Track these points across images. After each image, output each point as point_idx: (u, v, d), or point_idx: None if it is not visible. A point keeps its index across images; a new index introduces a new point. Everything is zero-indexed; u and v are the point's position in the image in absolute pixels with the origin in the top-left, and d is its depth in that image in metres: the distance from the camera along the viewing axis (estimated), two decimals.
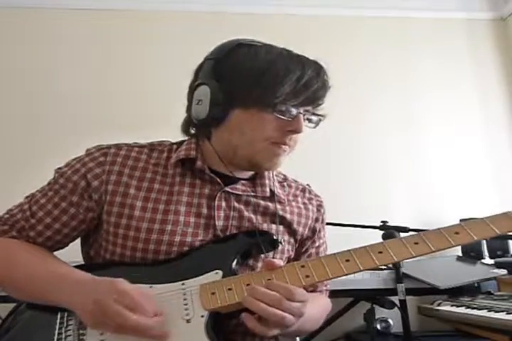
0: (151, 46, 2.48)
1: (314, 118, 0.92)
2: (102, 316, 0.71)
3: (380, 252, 0.79)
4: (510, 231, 0.79)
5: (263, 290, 0.74)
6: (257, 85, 0.84)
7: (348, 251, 0.80)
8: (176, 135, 1.04)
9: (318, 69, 0.87)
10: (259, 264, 0.91)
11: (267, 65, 0.85)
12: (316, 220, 1.03)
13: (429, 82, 2.58)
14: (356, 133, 2.35)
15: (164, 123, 2.14)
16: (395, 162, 2.44)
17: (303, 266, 0.80)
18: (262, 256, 0.91)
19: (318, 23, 2.57)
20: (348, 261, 0.79)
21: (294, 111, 0.86)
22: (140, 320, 0.71)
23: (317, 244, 1.03)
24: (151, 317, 0.73)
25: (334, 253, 0.81)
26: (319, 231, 1.03)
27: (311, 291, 1.01)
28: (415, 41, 2.64)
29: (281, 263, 0.82)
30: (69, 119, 2.31)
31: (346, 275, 0.78)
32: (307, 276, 0.78)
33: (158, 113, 2.32)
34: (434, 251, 0.78)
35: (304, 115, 0.88)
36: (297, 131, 0.87)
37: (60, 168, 0.95)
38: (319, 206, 1.05)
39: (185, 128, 0.99)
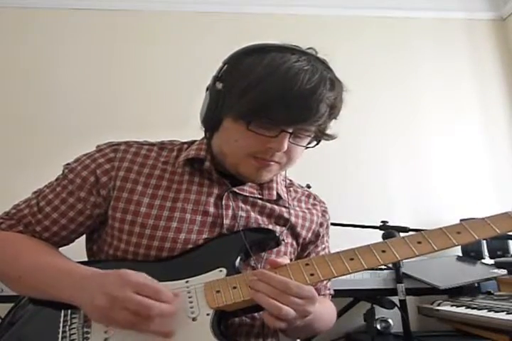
0: (152, 46, 2.48)
1: (319, 136, 0.90)
2: (117, 310, 0.70)
3: (384, 251, 0.80)
4: (510, 231, 0.80)
5: (262, 282, 0.75)
6: (244, 99, 0.82)
7: (352, 249, 0.81)
8: (176, 135, 1.04)
9: (316, 87, 0.80)
10: (260, 265, 0.90)
11: (259, 80, 0.81)
12: (321, 225, 1.03)
13: (429, 81, 2.58)
14: (356, 133, 2.35)
15: (165, 123, 2.16)
16: (395, 162, 2.44)
17: (307, 264, 0.80)
18: (264, 256, 0.91)
19: (318, 23, 2.57)
20: (352, 259, 0.79)
21: (277, 128, 0.83)
22: (164, 308, 0.71)
23: (319, 249, 1.03)
24: (173, 301, 0.73)
25: (338, 252, 0.82)
26: (323, 236, 1.03)
27: None
28: (415, 41, 2.64)
29: (286, 261, 0.82)
30: (69, 119, 2.31)
31: (350, 273, 0.79)
32: (312, 274, 0.79)
33: (159, 113, 2.32)
34: (436, 250, 0.79)
35: (295, 133, 0.85)
36: (277, 149, 0.84)
37: (69, 164, 0.96)
38: (324, 212, 1.06)
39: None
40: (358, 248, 0.81)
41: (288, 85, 0.80)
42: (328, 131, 0.91)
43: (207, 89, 0.92)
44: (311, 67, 0.83)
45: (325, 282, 1.03)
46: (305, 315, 0.75)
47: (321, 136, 0.90)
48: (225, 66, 0.88)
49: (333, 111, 0.86)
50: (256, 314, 0.88)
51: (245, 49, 0.88)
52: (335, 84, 0.86)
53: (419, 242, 0.80)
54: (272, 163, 0.87)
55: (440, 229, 0.81)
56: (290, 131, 0.84)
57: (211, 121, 0.90)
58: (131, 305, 0.69)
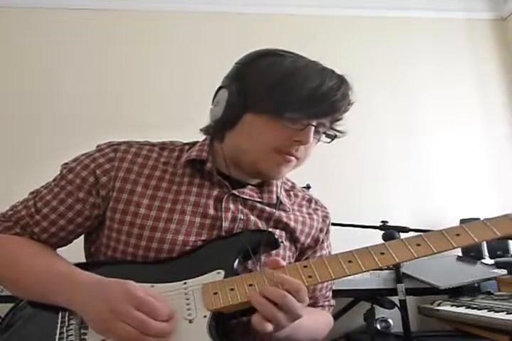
0: (152, 46, 2.48)
1: (330, 132, 0.92)
2: (117, 323, 0.70)
3: (382, 253, 0.79)
4: (510, 234, 0.79)
5: (272, 288, 0.74)
6: (272, 92, 0.84)
7: (350, 251, 0.80)
8: (176, 136, 1.04)
9: (340, 83, 0.86)
10: (257, 268, 0.89)
11: (287, 74, 0.85)
12: (321, 230, 1.02)
13: (429, 82, 2.58)
14: (356, 133, 2.33)
15: (165, 123, 2.16)
16: (395, 162, 2.44)
17: (305, 266, 0.79)
18: (263, 258, 0.90)
19: (318, 23, 2.58)
20: (350, 262, 0.79)
21: (304, 121, 0.85)
22: (163, 328, 0.71)
23: (317, 254, 1.02)
24: (167, 320, 0.72)
25: (336, 254, 0.81)
26: (322, 241, 1.02)
27: (311, 305, 0.98)
28: (415, 41, 2.64)
29: (283, 263, 0.81)
30: (68, 119, 2.31)
31: (349, 276, 0.78)
32: (310, 277, 0.78)
33: (159, 113, 2.32)
34: (435, 253, 0.78)
35: (316, 127, 0.87)
36: (304, 142, 0.85)
37: (67, 163, 0.95)
38: (325, 217, 1.04)
39: (205, 129, 0.99)
40: (356, 250, 0.80)
41: (316, 80, 0.83)
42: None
43: (218, 89, 0.92)
44: (327, 68, 0.89)
45: (324, 291, 1.02)
46: (296, 318, 0.74)
47: (333, 131, 0.93)
48: (241, 66, 0.90)
49: (349, 107, 0.91)
50: None
51: (259, 52, 0.91)
52: (348, 83, 0.90)
53: (419, 244, 0.79)
54: (293, 158, 0.88)
55: (440, 231, 0.80)
56: (315, 124, 0.86)
57: (228, 119, 0.89)
58: (132, 321, 0.69)
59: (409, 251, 0.78)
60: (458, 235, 0.79)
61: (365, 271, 0.78)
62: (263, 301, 0.73)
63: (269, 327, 0.72)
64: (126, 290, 0.72)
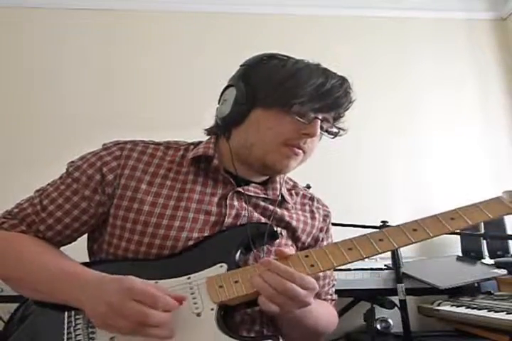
0: (152, 46, 2.49)
1: (333, 129, 0.95)
2: (116, 317, 0.70)
3: (381, 240, 0.81)
4: (502, 215, 0.83)
5: (273, 274, 0.76)
6: (280, 87, 0.88)
7: (350, 239, 0.83)
8: (176, 137, 1.04)
9: (342, 81, 0.91)
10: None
11: (293, 71, 0.90)
12: (321, 230, 1.03)
13: (428, 82, 2.58)
14: (356, 133, 2.33)
15: (166, 124, 2.15)
16: (395, 162, 2.44)
17: (307, 256, 0.81)
18: (263, 255, 0.91)
19: (318, 23, 2.58)
20: (350, 249, 0.81)
21: (311, 115, 0.89)
22: (161, 317, 0.71)
23: None
24: (173, 306, 0.73)
25: (336, 243, 0.83)
26: (322, 240, 1.04)
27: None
28: (415, 41, 2.65)
29: (293, 251, 0.83)
30: (69, 120, 2.32)
31: (350, 262, 0.80)
32: (312, 265, 0.80)
33: (159, 114, 2.32)
34: (432, 237, 0.81)
35: (322, 121, 0.90)
36: (312, 134, 0.88)
37: (73, 162, 0.96)
38: (325, 216, 1.06)
39: (209, 128, 1.02)
40: (355, 238, 0.83)
41: (320, 78, 0.89)
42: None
43: (225, 88, 0.96)
44: (329, 69, 0.93)
45: (327, 288, 1.03)
46: (303, 305, 0.76)
47: (335, 127, 0.96)
48: (248, 67, 0.95)
49: (351, 104, 0.94)
50: (257, 315, 0.89)
51: (264, 55, 0.96)
52: (349, 82, 0.94)
53: (415, 230, 0.82)
54: (301, 151, 0.90)
55: (435, 216, 0.83)
56: (321, 117, 0.90)
57: (236, 115, 0.92)
58: (129, 313, 0.70)
59: (407, 237, 0.81)
60: (452, 219, 0.82)
61: (365, 258, 0.81)
62: (263, 284, 0.74)
63: (274, 307, 0.74)
64: (122, 284, 0.73)
